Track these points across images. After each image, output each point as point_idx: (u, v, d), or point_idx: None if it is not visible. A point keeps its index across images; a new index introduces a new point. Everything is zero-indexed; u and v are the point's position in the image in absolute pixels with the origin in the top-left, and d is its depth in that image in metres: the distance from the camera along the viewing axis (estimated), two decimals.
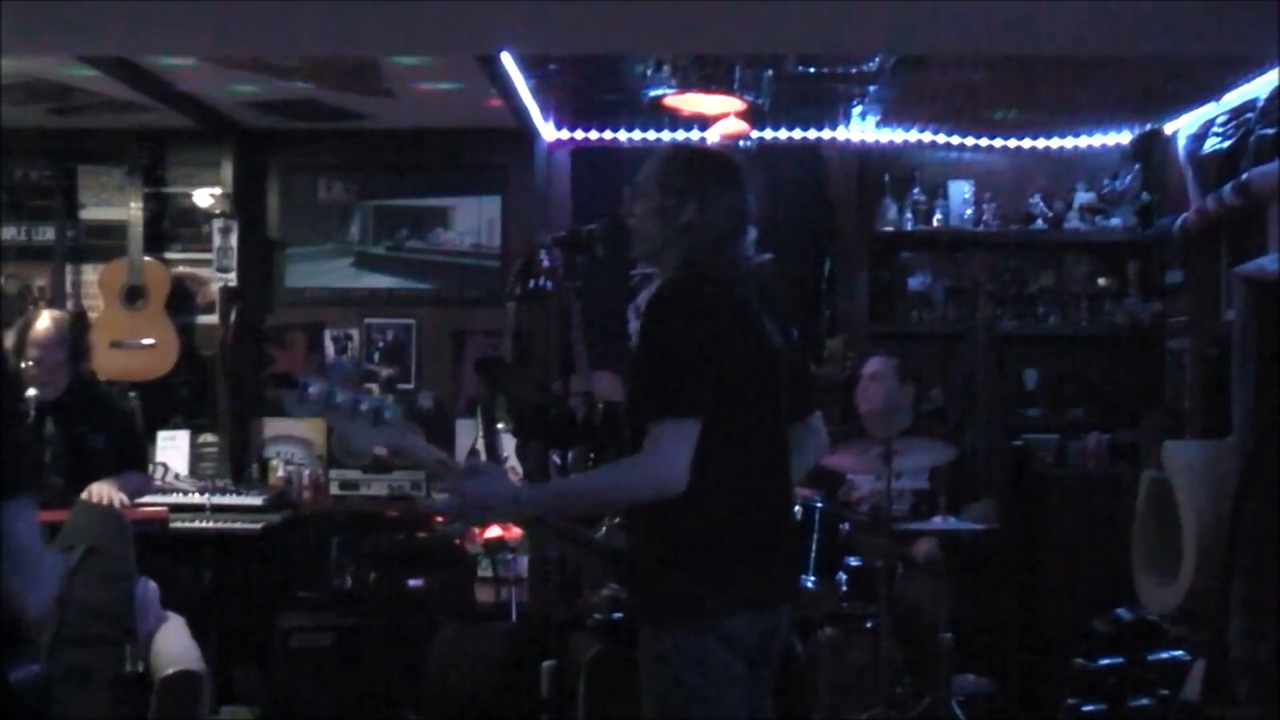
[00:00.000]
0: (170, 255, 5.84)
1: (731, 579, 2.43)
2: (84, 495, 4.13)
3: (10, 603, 1.87)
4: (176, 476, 5.58)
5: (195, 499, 5.31)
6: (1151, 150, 5.63)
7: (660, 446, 2.35)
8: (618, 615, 3.82)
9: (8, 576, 1.85)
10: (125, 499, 4.18)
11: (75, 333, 4.55)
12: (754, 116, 5.14)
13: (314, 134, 5.84)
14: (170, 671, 3.90)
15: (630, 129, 5.74)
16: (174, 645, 4.07)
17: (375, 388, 5.41)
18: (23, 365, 4.34)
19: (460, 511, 2.51)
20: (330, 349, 5.91)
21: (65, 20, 3.69)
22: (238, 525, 5.24)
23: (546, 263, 4.76)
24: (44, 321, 4.40)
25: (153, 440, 5.55)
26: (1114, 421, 5.66)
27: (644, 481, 2.38)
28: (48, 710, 2.03)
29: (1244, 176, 4.42)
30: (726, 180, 2.60)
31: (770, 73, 4.88)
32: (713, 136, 5.17)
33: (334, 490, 5.76)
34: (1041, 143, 5.78)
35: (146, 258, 5.66)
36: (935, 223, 5.77)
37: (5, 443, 1.88)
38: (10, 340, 4.41)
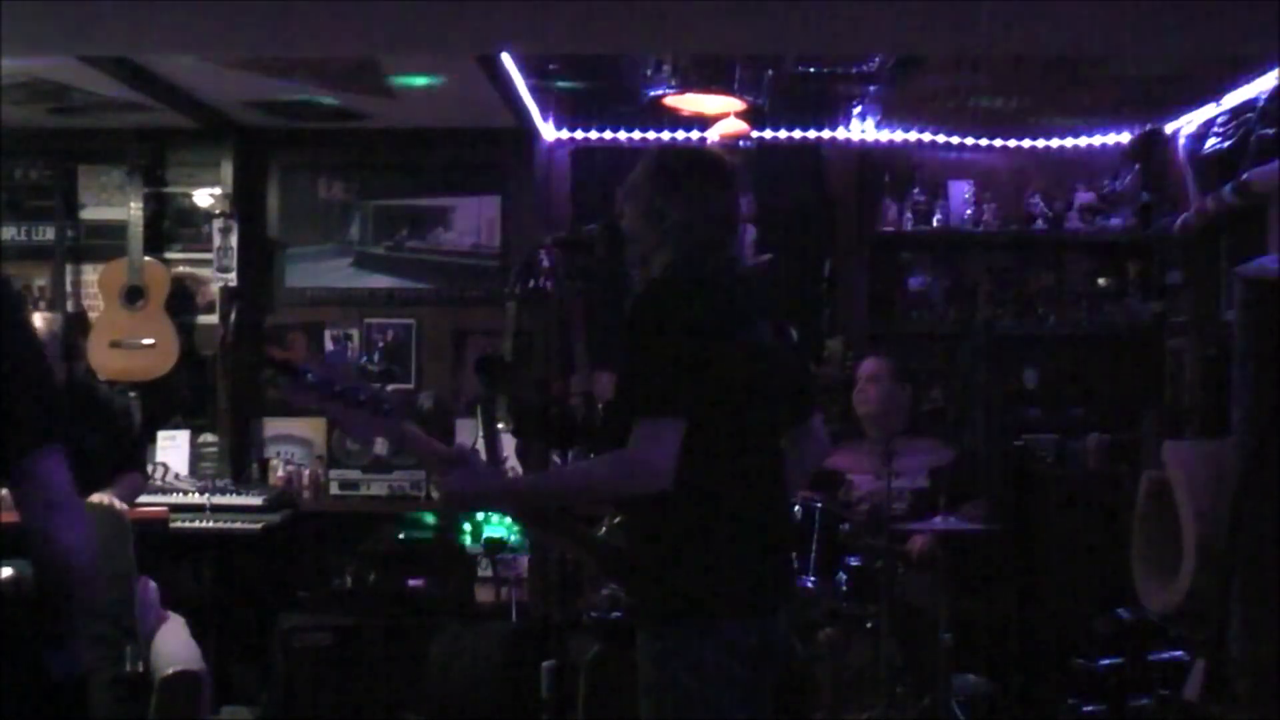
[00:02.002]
0: (170, 255, 5.84)
1: (729, 582, 2.42)
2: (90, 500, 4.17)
3: (52, 550, 1.90)
4: (176, 476, 5.59)
5: (195, 499, 5.31)
6: (1151, 150, 5.62)
7: (642, 444, 2.35)
8: (617, 615, 3.82)
9: (47, 517, 1.89)
10: (125, 507, 4.20)
11: (66, 331, 4.56)
12: (754, 116, 5.14)
13: (314, 134, 5.84)
14: (170, 671, 3.90)
15: (630, 129, 5.74)
16: (174, 645, 4.08)
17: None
18: None
19: (450, 501, 2.52)
20: (330, 349, 5.91)
21: (65, 20, 3.69)
22: (238, 525, 5.25)
23: (546, 263, 4.75)
24: (35, 323, 4.41)
25: (153, 440, 5.55)
26: (1114, 421, 5.65)
27: (626, 477, 2.37)
28: (86, 710, 2.05)
29: (1244, 176, 4.41)
30: (716, 181, 2.59)
31: (770, 73, 4.88)
32: (713, 136, 5.16)
33: (334, 490, 5.77)
34: (1041, 143, 5.78)
35: (146, 258, 5.66)
36: (935, 223, 5.77)
37: (40, 394, 1.94)
38: None
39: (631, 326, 2.44)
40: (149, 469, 5.15)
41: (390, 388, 2.54)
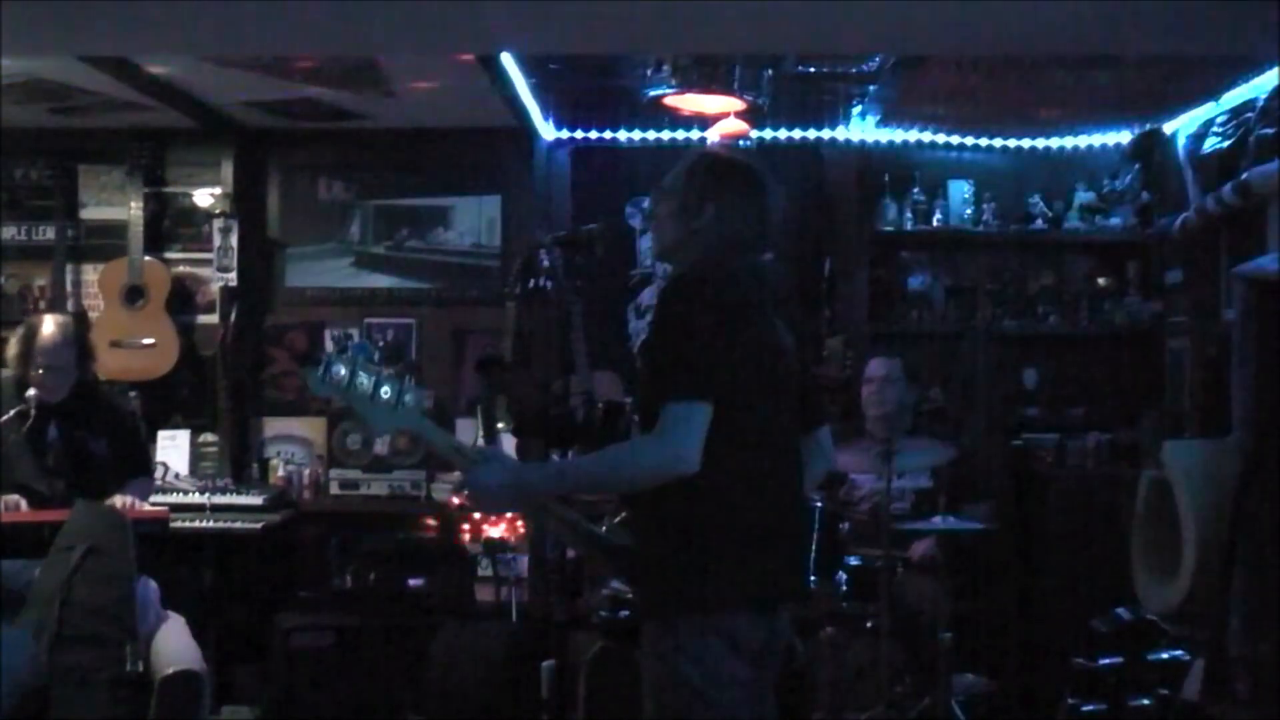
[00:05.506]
0: (170, 255, 5.84)
1: (736, 577, 2.43)
2: (110, 502, 4.26)
3: None
4: (176, 476, 5.59)
5: (195, 499, 5.31)
6: (1151, 150, 5.62)
7: (672, 428, 2.35)
8: (619, 614, 3.82)
9: None
10: (149, 508, 4.28)
11: (80, 334, 4.57)
12: (754, 116, 5.14)
13: (314, 134, 5.84)
14: (170, 671, 3.90)
15: (630, 129, 5.74)
16: (174, 645, 4.08)
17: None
18: (34, 372, 4.35)
19: (471, 500, 2.52)
20: (330, 349, 5.91)
21: (65, 20, 3.69)
22: (238, 525, 5.25)
23: (546, 263, 4.75)
24: (49, 327, 4.41)
25: (153, 440, 5.55)
26: (1114, 421, 5.65)
27: (655, 462, 2.37)
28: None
29: (1244, 176, 4.41)
30: (749, 188, 2.63)
31: (770, 73, 4.88)
32: (713, 136, 5.16)
33: (334, 490, 5.78)
34: (1041, 143, 5.77)
35: (146, 258, 5.66)
36: (935, 223, 5.76)
37: None
38: (14, 349, 4.41)
39: (658, 315, 2.46)
40: (153, 472, 5.16)
41: (412, 380, 2.52)
